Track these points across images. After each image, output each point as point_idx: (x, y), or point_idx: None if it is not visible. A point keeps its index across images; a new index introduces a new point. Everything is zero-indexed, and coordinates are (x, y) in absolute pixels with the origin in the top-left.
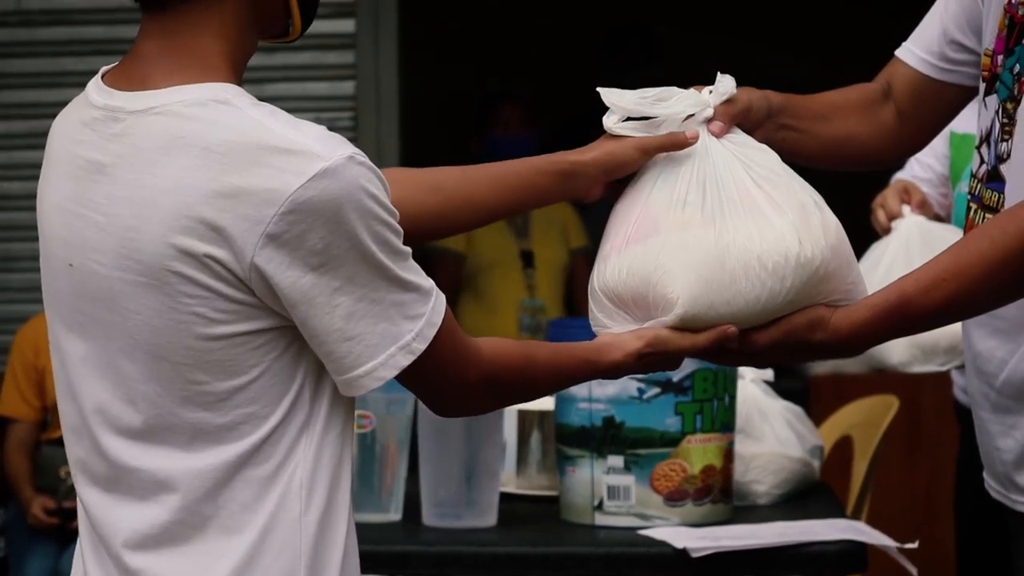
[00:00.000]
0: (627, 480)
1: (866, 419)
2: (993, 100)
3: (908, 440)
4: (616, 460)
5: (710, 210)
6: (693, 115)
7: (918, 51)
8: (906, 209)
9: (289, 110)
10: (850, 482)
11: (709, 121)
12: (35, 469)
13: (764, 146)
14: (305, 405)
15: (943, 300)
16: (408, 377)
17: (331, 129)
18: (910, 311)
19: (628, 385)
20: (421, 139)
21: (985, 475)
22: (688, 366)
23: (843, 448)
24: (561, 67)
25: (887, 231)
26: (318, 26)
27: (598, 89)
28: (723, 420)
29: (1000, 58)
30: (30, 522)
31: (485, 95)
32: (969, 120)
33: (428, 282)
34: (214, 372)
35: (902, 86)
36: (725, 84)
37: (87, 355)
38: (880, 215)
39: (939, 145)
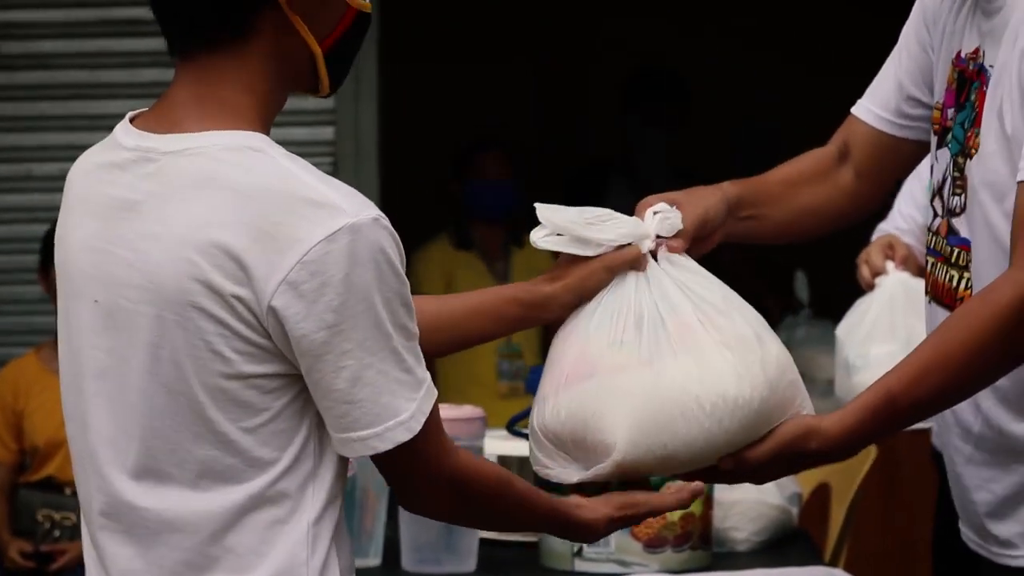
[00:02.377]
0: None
1: (844, 466)
2: (944, 154)
3: (886, 487)
4: None
5: (647, 350)
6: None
7: (876, 109)
8: (890, 265)
9: None
10: (828, 529)
11: (656, 248)
12: (12, 512)
13: (708, 274)
14: (313, 452)
15: (928, 393)
16: (386, 458)
17: None
18: (898, 408)
19: None
20: (400, 185)
21: (961, 525)
22: None
23: (821, 495)
24: (547, 115)
25: (871, 287)
26: None
27: (535, 204)
28: None
29: (951, 112)
30: (7, 565)
31: (465, 143)
32: None
33: (426, 373)
34: (228, 411)
35: (860, 145)
36: (672, 219)
37: (102, 391)
38: (864, 271)
39: (920, 195)
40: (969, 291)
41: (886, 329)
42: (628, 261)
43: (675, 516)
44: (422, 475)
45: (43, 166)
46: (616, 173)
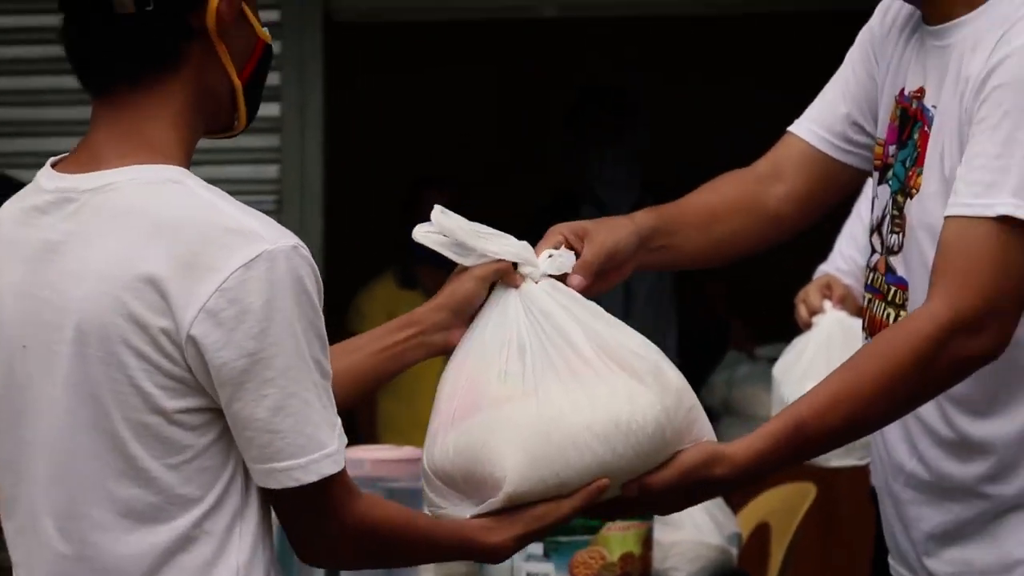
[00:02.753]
0: (546, 567)
1: (783, 506)
2: (885, 191)
3: (825, 527)
4: (536, 547)
5: (532, 380)
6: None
7: (819, 130)
8: (827, 304)
9: None
10: (767, 569)
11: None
12: None
13: (597, 306)
14: (238, 491)
15: (838, 422)
16: (300, 495)
17: None
18: (807, 435)
19: None
20: (345, 224)
21: (892, 560)
22: None
23: (761, 535)
24: (491, 154)
25: (808, 326)
26: None
27: (436, 207)
28: None
29: (892, 148)
30: None
31: (412, 181)
32: None
33: (337, 418)
34: (151, 447)
35: (797, 164)
36: (563, 259)
37: (33, 438)
38: (802, 310)
39: (860, 237)
40: (878, 314)
41: (823, 367)
42: (498, 271)
43: (614, 556)
44: (332, 517)
45: None
46: (586, 203)
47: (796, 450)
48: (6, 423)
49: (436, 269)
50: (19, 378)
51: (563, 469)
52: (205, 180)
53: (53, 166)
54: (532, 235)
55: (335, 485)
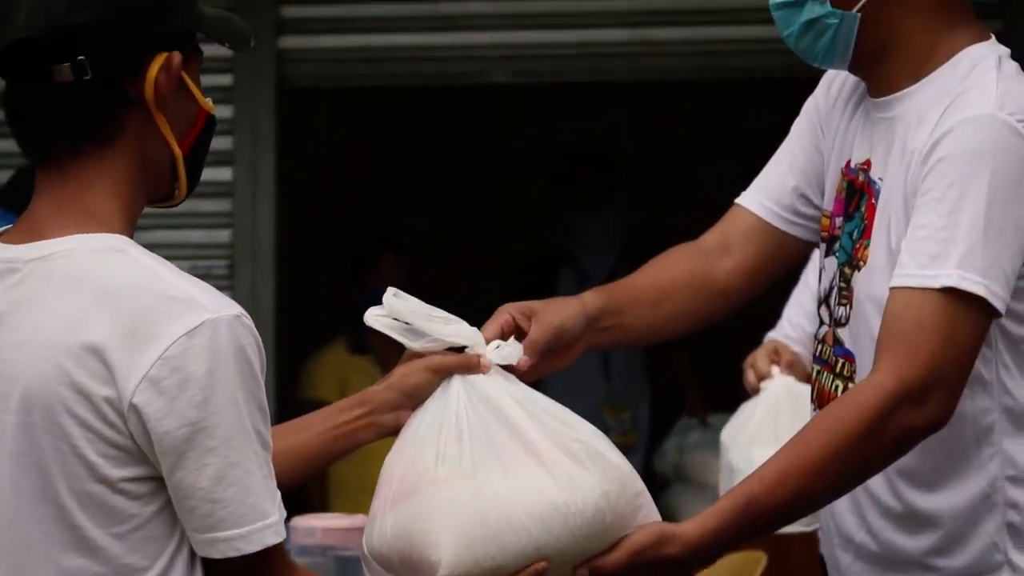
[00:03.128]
0: None
1: (735, 574)
2: (832, 262)
3: None
4: None
5: (469, 463)
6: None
7: (767, 202)
8: (775, 370)
9: (165, 257)
10: None
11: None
12: None
13: (540, 395)
14: (184, 561)
15: (788, 496)
16: (235, 569)
17: (206, 277)
18: (759, 510)
19: None
20: (297, 288)
21: None
22: None
23: None
24: (448, 218)
25: (756, 391)
26: None
27: (389, 289)
28: None
29: (839, 220)
30: None
31: (367, 244)
32: None
33: (277, 490)
34: (95, 517)
35: (746, 237)
36: (510, 350)
37: None
38: (750, 376)
39: (808, 304)
40: (826, 385)
41: (770, 433)
42: (453, 366)
43: None
44: None
45: None
46: (566, 265)
47: (749, 525)
48: None
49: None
50: None
51: (499, 552)
52: (159, 244)
53: None
54: (507, 297)
55: (275, 555)
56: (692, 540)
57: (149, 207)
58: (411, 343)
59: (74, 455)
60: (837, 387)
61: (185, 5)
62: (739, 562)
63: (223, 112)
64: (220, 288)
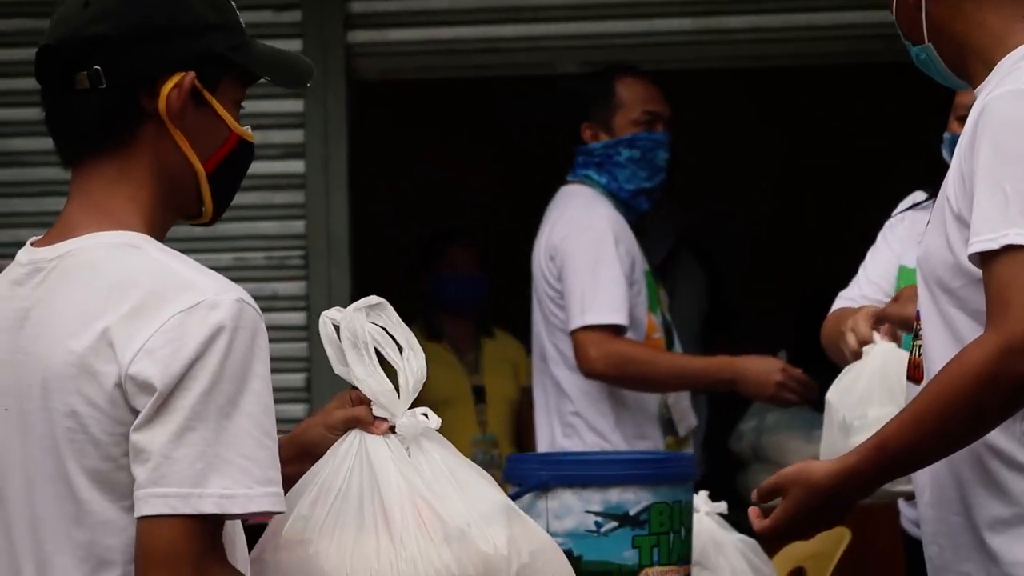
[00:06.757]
0: None
1: (819, 551)
2: None
3: (859, 569)
4: None
5: (316, 528)
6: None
7: None
8: (876, 335)
9: (239, 248)
10: None
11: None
12: None
13: (453, 456)
14: None
15: (917, 439)
16: (168, 530)
17: (281, 268)
18: (892, 451)
19: (585, 519)
20: (372, 279)
21: None
22: (644, 499)
23: None
24: (514, 209)
25: (857, 356)
26: (268, 167)
27: (356, 304)
28: (679, 553)
29: None
30: None
31: (433, 234)
32: None
33: (271, 484)
34: (105, 493)
35: None
36: (425, 423)
37: (12, 495)
38: (851, 339)
39: (880, 281)
40: (921, 357)
41: (881, 394)
42: (346, 422)
43: None
44: (191, 566)
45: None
46: None
47: (884, 466)
48: None
49: (455, 317)
50: (2, 440)
51: None
52: (234, 236)
53: (32, 243)
54: None
55: (206, 534)
56: (833, 468)
57: (183, 224)
58: (335, 365)
59: (84, 434)
60: (917, 349)
61: (214, 32)
62: (824, 538)
63: (294, 106)
64: (295, 279)
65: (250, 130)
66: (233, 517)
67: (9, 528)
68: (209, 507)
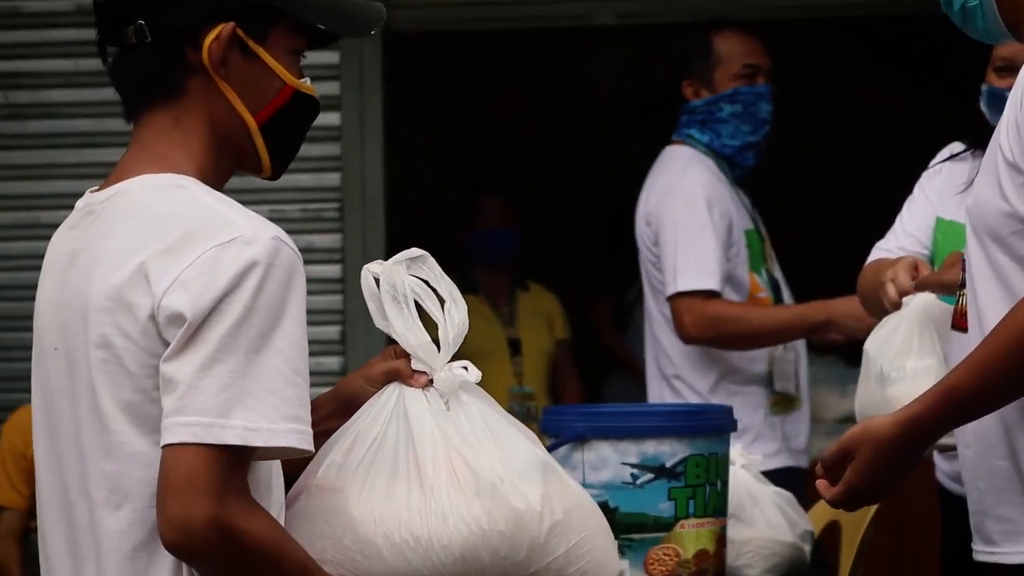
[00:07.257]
0: (621, 565)
1: None
2: None
3: (895, 523)
4: None
5: (354, 476)
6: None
7: None
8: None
9: (274, 201)
10: (839, 567)
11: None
12: (25, 556)
13: (492, 411)
14: None
15: (981, 383)
16: (191, 457)
17: (316, 220)
18: (958, 396)
19: (622, 471)
20: (407, 231)
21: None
22: (680, 452)
23: (832, 532)
24: (549, 164)
25: (897, 306)
26: None
27: (398, 257)
28: (716, 505)
29: None
30: None
31: (467, 189)
32: (959, 208)
33: (299, 420)
34: (135, 425)
35: None
36: (451, 376)
37: (62, 431)
38: (891, 289)
39: (918, 233)
40: (966, 305)
41: (921, 345)
42: (390, 373)
43: (689, 553)
44: (211, 495)
45: (52, 214)
46: None
47: (950, 411)
48: (44, 424)
49: (490, 269)
50: (53, 380)
51: (356, 568)
52: (269, 188)
53: (91, 191)
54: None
55: (228, 466)
56: (899, 418)
57: (246, 176)
58: (376, 319)
59: (118, 365)
60: (960, 298)
61: None
62: None
63: (330, 58)
64: (331, 231)
65: (308, 82)
66: (256, 454)
67: (61, 466)
68: (232, 438)
